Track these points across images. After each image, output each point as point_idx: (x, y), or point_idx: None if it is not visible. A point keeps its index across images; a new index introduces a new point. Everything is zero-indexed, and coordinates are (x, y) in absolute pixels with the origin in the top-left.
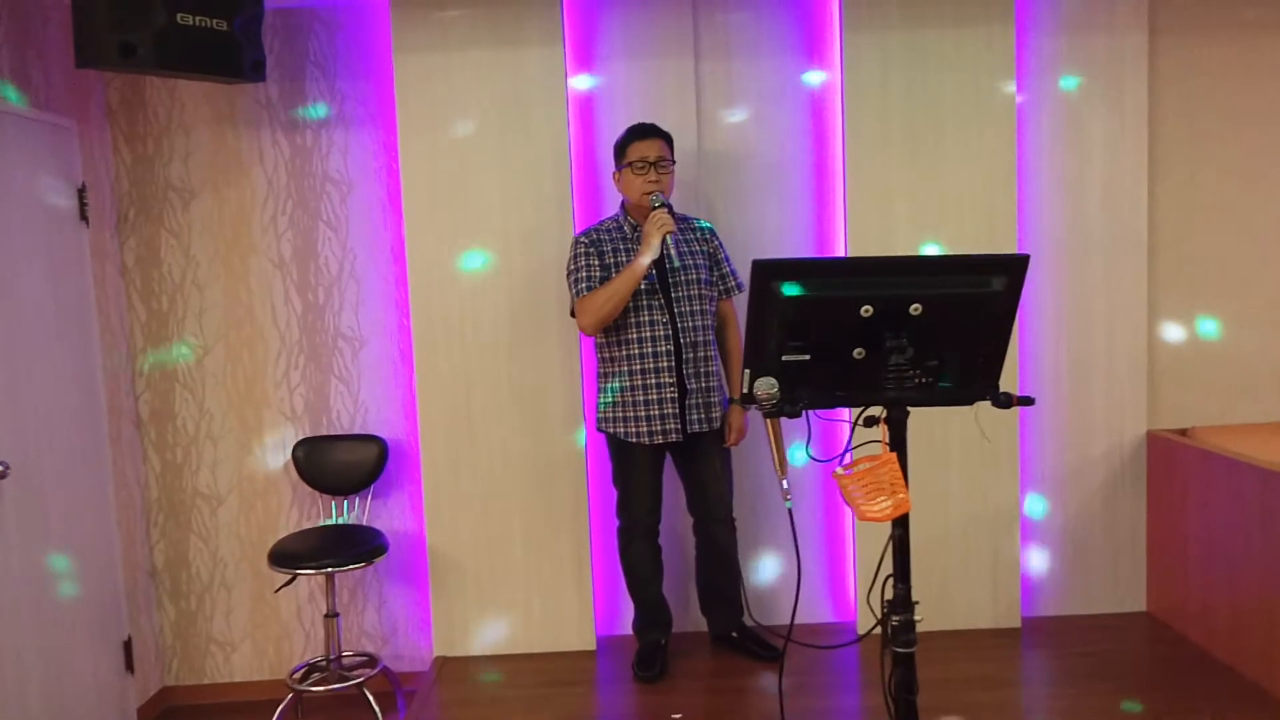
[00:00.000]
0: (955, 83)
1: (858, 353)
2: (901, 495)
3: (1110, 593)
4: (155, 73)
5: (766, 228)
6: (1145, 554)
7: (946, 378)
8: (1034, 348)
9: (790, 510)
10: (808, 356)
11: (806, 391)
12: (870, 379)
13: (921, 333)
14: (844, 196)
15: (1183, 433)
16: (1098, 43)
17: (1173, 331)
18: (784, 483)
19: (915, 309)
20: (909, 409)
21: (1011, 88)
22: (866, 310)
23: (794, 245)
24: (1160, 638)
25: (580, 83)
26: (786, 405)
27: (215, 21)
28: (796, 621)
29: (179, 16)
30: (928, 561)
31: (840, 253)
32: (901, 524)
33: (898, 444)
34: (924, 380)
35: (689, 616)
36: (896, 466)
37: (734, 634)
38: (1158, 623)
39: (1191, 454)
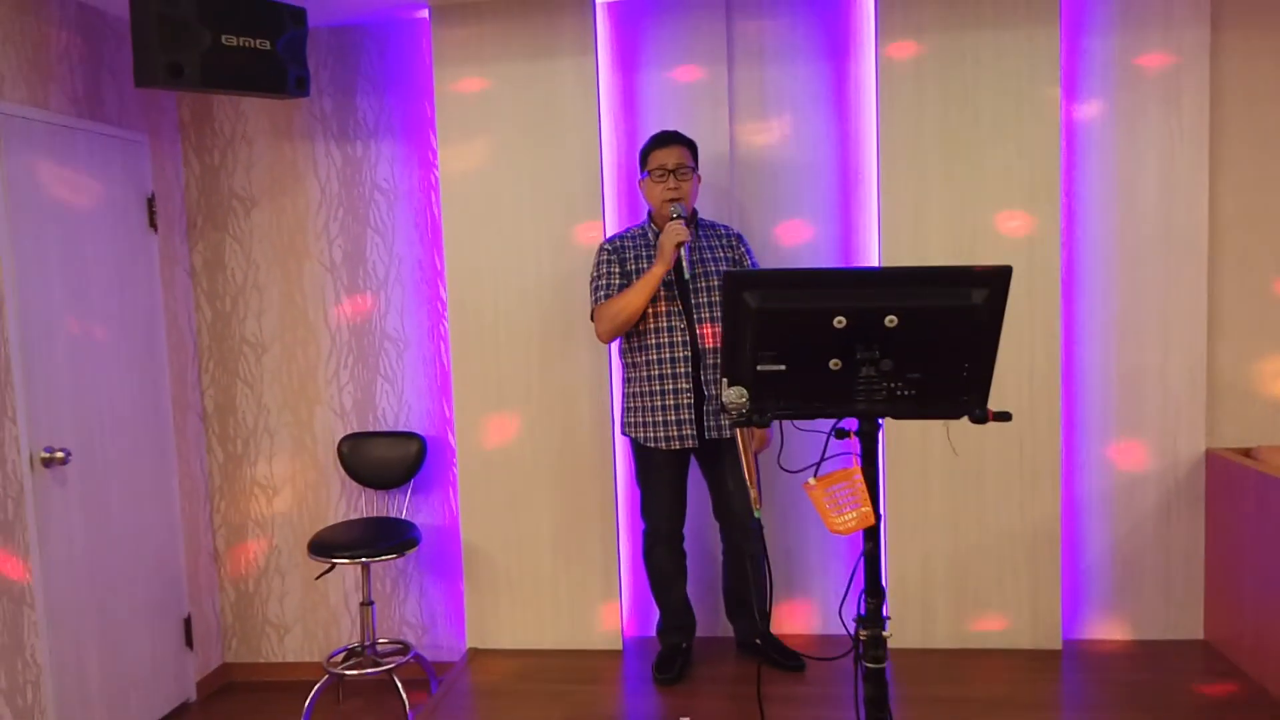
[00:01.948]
0: (994, 86)
1: (834, 364)
2: (866, 509)
3: (1164, 618)
4: (203, 90)
5: (798, 235)
6: (1203, 579)
7: (928, 391)
8: (1083, 359)
9: (759, 519)
10: (783, 367)
11: (778, 402)
12: (845, 391)
13: (899, 345)
14: (878, 204)
15: (1246, 452)
16: (1152, 38)
17: (1236, 344)
18: (753, 491)
19: (890, 321)
20: (880, 421)
21: (1055, 90)
22: (840, 321)
23: (825, 253)
24: (1212, 669)
25: (612, 90)
26: (755, 415)
27: (258, 42)
28: (824, 633)
29: (223, 38)
30: (960, 577)
31: (875, 262)
32: (872, 538)
33: (869, 456)
34: (904, 393)
35: (718, 621)
36: (862, 480)
37: (758, 641)
38: (1214, 652)
39: (1250, 476)
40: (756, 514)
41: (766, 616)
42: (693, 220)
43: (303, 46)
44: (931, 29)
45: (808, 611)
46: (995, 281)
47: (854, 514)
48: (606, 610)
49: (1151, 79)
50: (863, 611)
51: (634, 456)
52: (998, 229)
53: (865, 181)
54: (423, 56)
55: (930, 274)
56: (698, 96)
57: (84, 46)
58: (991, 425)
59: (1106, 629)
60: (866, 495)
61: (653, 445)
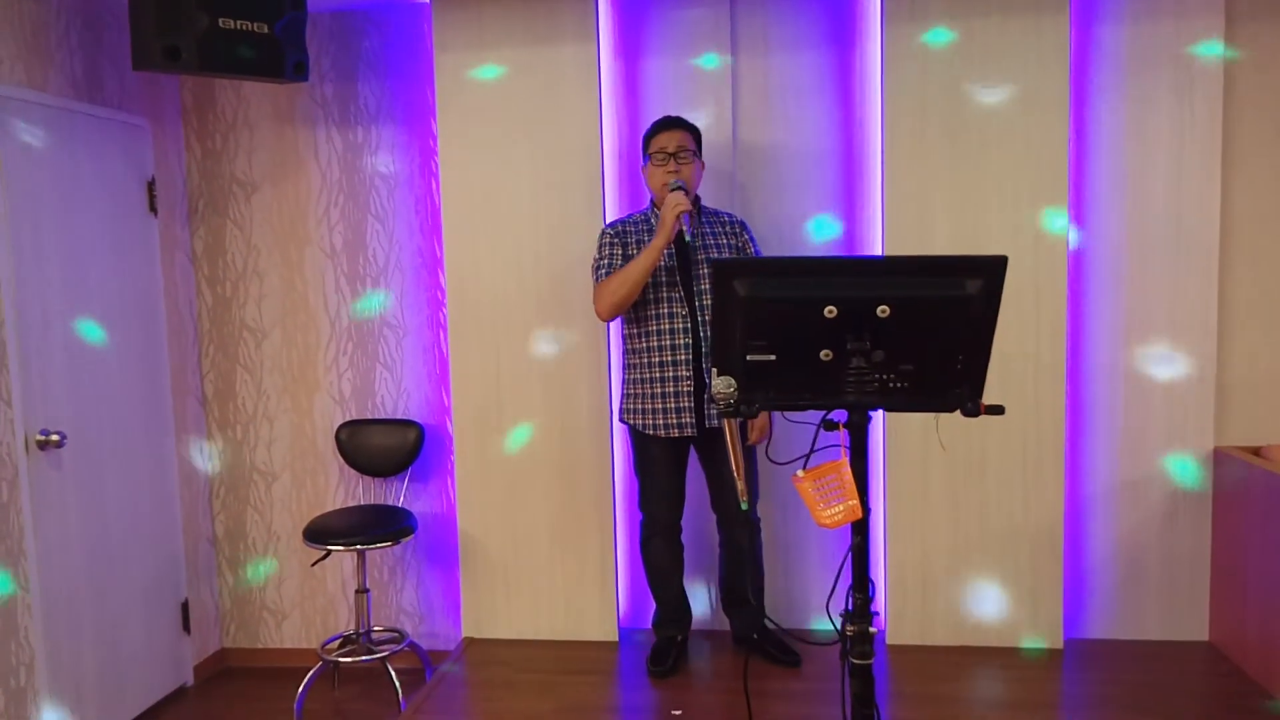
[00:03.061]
0: (1001, 75)
1: (824, 354)
2: (853, 502)
3: (1168, 619)
4: (199, 74)
5: (802, 223)
6: (1209, 579)
7: (921, 383)
8: (1090, 353)
9: (745, 509)
10: (773, 357)
11: (767, 393)
12: (836, 382)
13: (891, 336)
14: (882, 194)
15: (1255, 451)
16: (1164, 29)
17: (1247, 340)
18: (740, 484)
19: (882, 311)
20: (870, 413)
21: (1064, 80)
22: (830, 311)
23: (829, 243)
24: (1216, 670)
25: (615, 78)
26: (743, 405)
27: (256, 25)
28: (823, 627)
29: (220, 21)
30: (960, 573)
31: (878, 252)
32: (860, 532)
33: (858, 449)
34: (896, 385)
35: (717, 614)
36: (848, 472)
37: (754, 635)
38: (1218, 654)
39: (1258, 475)
40: (744, 506)
41: (761, 609)
42: (695, 206)
43: (302, 30)
44: (938, 17)
45: (805, 605)
46: (990, 271)
47: (841, 507)
48: (602, 601)
49: (1163, 70)
50: (849, 607)
51: (632, 446)
52: (1003, 221)
53: (870, 171)
54: (424, 42)
55: (923, 263)
56: (701, 84)
57: (84, 29)
58: (995, 420)
59: (1109, 628)
60: (854, 488)
61: (651, 433)
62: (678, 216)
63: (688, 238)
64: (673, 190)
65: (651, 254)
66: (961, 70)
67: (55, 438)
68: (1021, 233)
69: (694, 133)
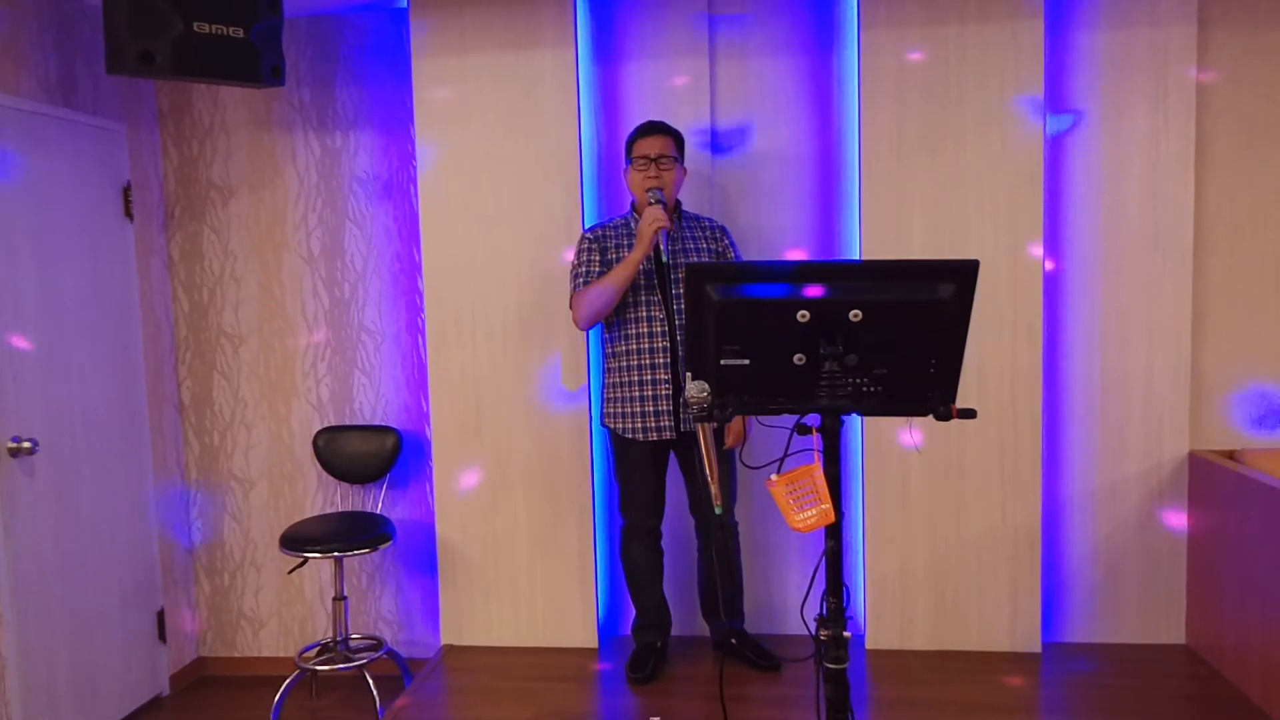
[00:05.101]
0: (977, 81)
1: (798, 358)
2: (826, 506)
3: (1145, 622)
4: (174, 78)
5: (781, 228)
6: (1185, 582)
7: (894, 387)
8: (1066, 359)
9: (719, 514)
10: (747, 361)
11: (740, 397)
12: (809, 386)
13: (864, 340)
14: (860, 198)
15: (1230, 455)
16: (1139, 35)
17: (1221, 345)
18: (713, 488)
19: (855, 315)
20: (844, 418)
21: (1039, 86)
22: (803, 316)
23: (808, 247)
24: (1192, 673)
25: (593, 83)
26: (716, 409)
27: (231, 29)
28: (803, 633)
29: (195, 25)
30: (939, 578)
31: (855, 255)
32: (834, 536)
33: (832, 453)
34: (869, 389)
35: (695, 620)
36: (821, 476)
37: (733, 641)
38: (1195, 657)
39: (1230, 477)
40: (717, 510)
41: (738, 614)
42: (676, 211)
43: (278, 35)
44: (915, 23)
45: (784, 610)
46: (962, 275)
47: (815, 511)
48: (582, 608)
49: (1137, 76)
50: (823, 612)
51: (612, 450)
52: (980, 225)
53: (848, 176)
54: (402, 47)
55: (895, 268)
56: (679, 89)
57: (58, 33)
58: (973, 425)
59: (1087, 632)
60: (827, 492)
61: (631, 436)
62: (655, 233)
63: (664, 257)
64: (652, 204)
65: (628, 268)
66: (938, 74)
67: (27, 445)
68: (998, 236)
69: (676, 138)
